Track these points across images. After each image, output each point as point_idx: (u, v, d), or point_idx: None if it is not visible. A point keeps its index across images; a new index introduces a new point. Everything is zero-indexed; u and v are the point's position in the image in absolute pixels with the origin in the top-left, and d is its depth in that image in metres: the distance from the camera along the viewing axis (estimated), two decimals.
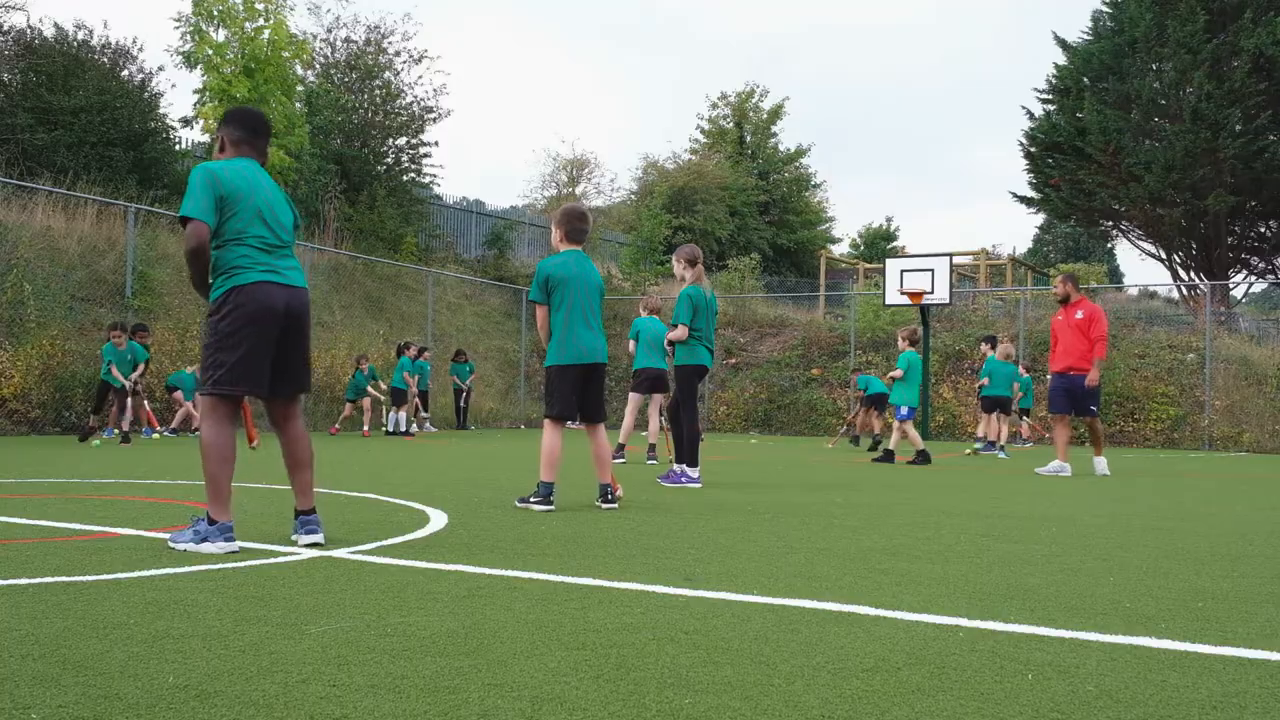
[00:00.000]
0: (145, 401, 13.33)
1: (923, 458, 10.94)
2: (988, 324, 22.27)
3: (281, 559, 3.76)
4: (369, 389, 15.97)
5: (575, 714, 2.00)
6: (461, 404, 19.31)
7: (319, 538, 4.10)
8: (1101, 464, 10.02)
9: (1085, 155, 28.06)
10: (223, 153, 4.18)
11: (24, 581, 3.22)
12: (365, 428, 15.82)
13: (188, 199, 3.92)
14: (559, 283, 5.74)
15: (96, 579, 3.30)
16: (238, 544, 3.95)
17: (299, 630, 2.63)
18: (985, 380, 14.20)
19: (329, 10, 38.59)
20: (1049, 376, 10.20)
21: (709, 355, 7.85)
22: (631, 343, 10.18)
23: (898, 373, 11.18)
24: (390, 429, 16.22)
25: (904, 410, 11.05)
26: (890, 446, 11.31)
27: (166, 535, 4.32)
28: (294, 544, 4.09)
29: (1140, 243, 31.67)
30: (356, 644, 2.50)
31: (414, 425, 16.82)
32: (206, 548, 3.86)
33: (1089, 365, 9.74)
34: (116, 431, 12.38)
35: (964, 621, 2.90)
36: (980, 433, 14.44)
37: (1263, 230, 30.22)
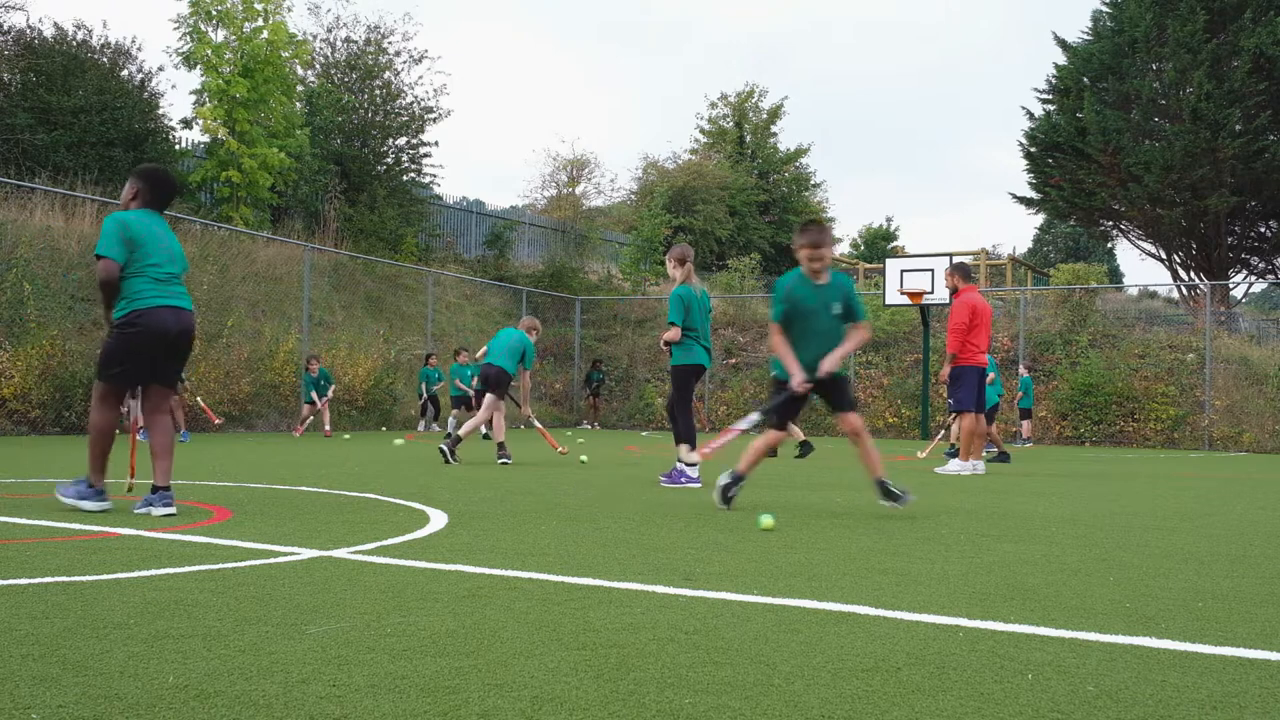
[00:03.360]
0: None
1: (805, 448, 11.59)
2: None
3: (281, 559, 3.76)
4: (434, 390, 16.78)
5: (575, 714, 2.00)
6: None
7: (172, 510, 4.91)
8: (954, 465, 9.64)
9: (1085, 155, 28.06)
10: (134, 201, 5.17)
11: (24, 581, 3.22)
12: (327, 427, 15.73)
13: (102, 241, 4.96)
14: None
15: (96, 579, 3.30)
16: (109, 503, 5.05)
17: (299, 630, 2.63)
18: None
19: (329, 10, 38.62)
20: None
21: (706, 354, 7.83)
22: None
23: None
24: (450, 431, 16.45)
25: None
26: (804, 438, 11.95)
27: (167, 535, 4.33)
28: (146, 516, 4.85)
29: (1140, 243, 31.69)
30: (356, 644, 2.50)
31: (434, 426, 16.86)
32: (85, 505, 4.98)
33: (959, 359, 9.56)
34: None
35: (964, 621, 2.90)
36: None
37: (1263, 230, 30.23)
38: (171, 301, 5.06)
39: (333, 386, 16.00)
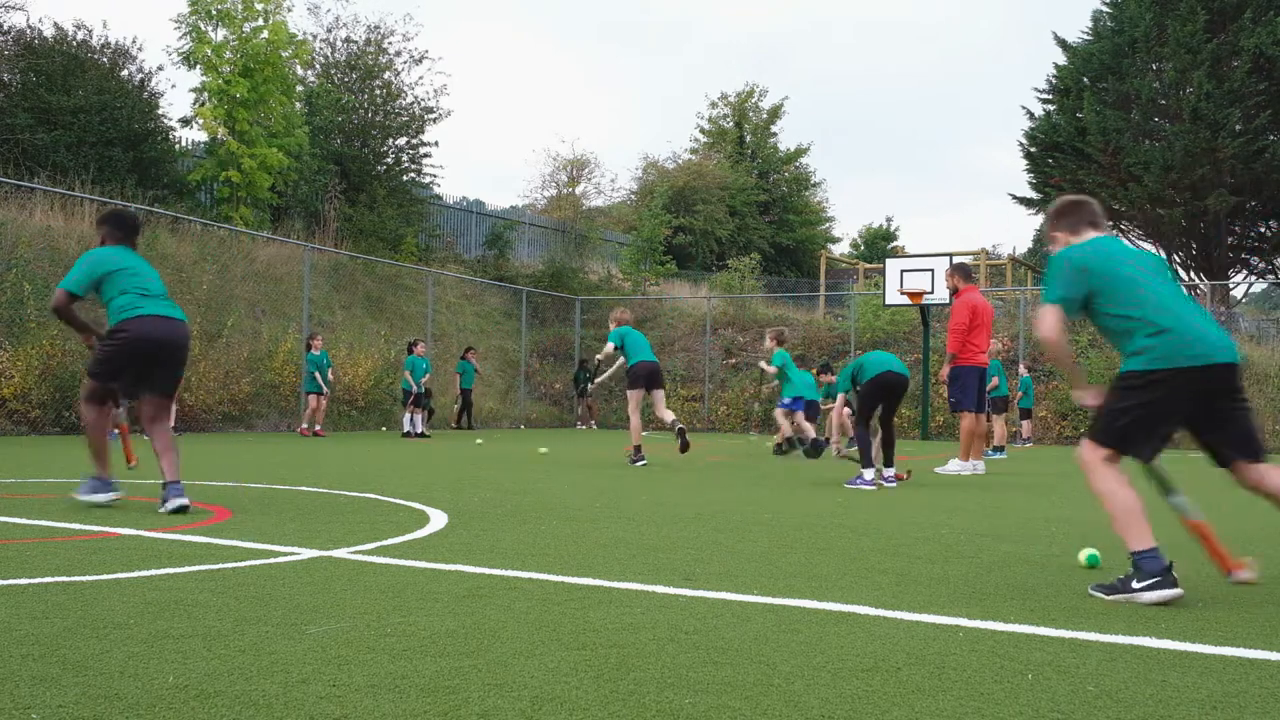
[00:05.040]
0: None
1: (815, 446, 11.29)
2: None
3: (281, 559, 3.76)
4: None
5: (575, 714, 2.00)
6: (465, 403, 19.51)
7: (183, 501, 5.04)
8: (954, 464, 9.71)
9: (1085, 155, 28.05)
10: (104, 243, 5.56)
11: (24, 581, 3.22)
12: (318, 426, 15.61)
13: (69, 274, 5.35)
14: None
15: (96, 579, 3.30)
16: (120, 491, 5.36)
17: (299, 630, 2.63)
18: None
19: (329, 10, 38.63)
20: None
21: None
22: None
23: (771, 369, 12.05)
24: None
25: (787, 400, 11.94)
26: (789, 435, 11.87)
27: (167, 535, 4.33)
28: (162, 512, 5.00)
29: (1140, 243, 31.63)
30: (356, 644, 2.50)
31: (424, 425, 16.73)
32: (98, 498, 5.24)
33: (959, 359, 9.61)
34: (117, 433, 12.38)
35: (964, 621, 2.90)
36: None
37: (1263, 230, 30.21)
38: (161, 311, 5.32)
39: (332, 370, 15.83)
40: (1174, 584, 3.24)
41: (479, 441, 13.53)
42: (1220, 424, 3.46)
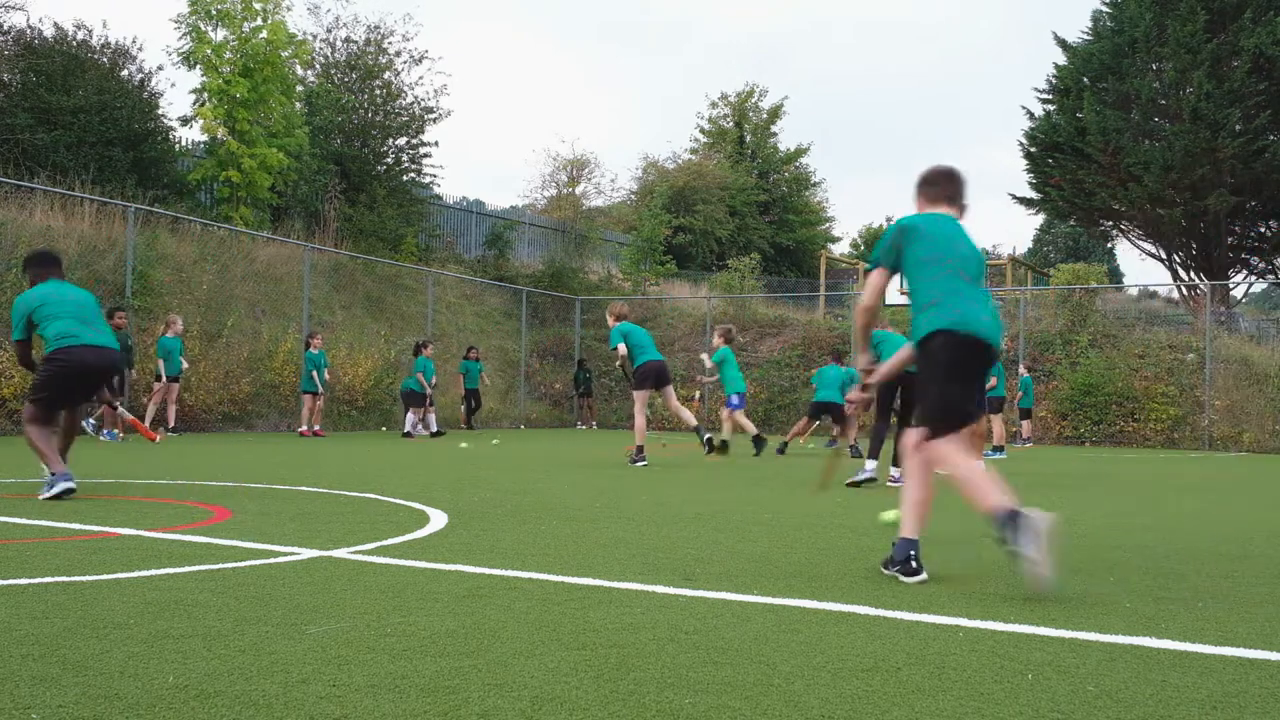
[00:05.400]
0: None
1: (759, 443, 11.60)
2: None
3: (281, 559, 3.76)
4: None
5: (575, 714, 2.00)
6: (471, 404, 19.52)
7: (70, 484, 5.63)
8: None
9: (1085, 155, 28.05)
10: (34, 284, 6.08)
11: (24, 581, 3.22)
12: (317, 426, 15.61)
13: (13, 328, 6.02)
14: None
15: (96, 579, 3.30)
16: (73, 483, 5.66)
17: (299, 630, 2.63)
18: None
19: (329, 10, 38.62)
20: None
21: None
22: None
23: (710, 363, 12.43)
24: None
25: (735, 400, 12.21)
26: (725, 437, 11.69)
27: (167, 535, 4.33)
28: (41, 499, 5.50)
29: (1140, 243, 31.67)
30: (356, 644, 2.50)
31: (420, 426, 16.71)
32: (57, 489, 5.57)
33: None
34: (119, 434, 12.38)
35: (964, 621, 2.90)
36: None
37: (1263, 230, 30.20)
38: (93, 340, 5.93)
39: (328, 370, 15.79)
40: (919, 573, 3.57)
41: (495, 441, 13.57)
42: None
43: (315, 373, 15.22)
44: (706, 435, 10.07)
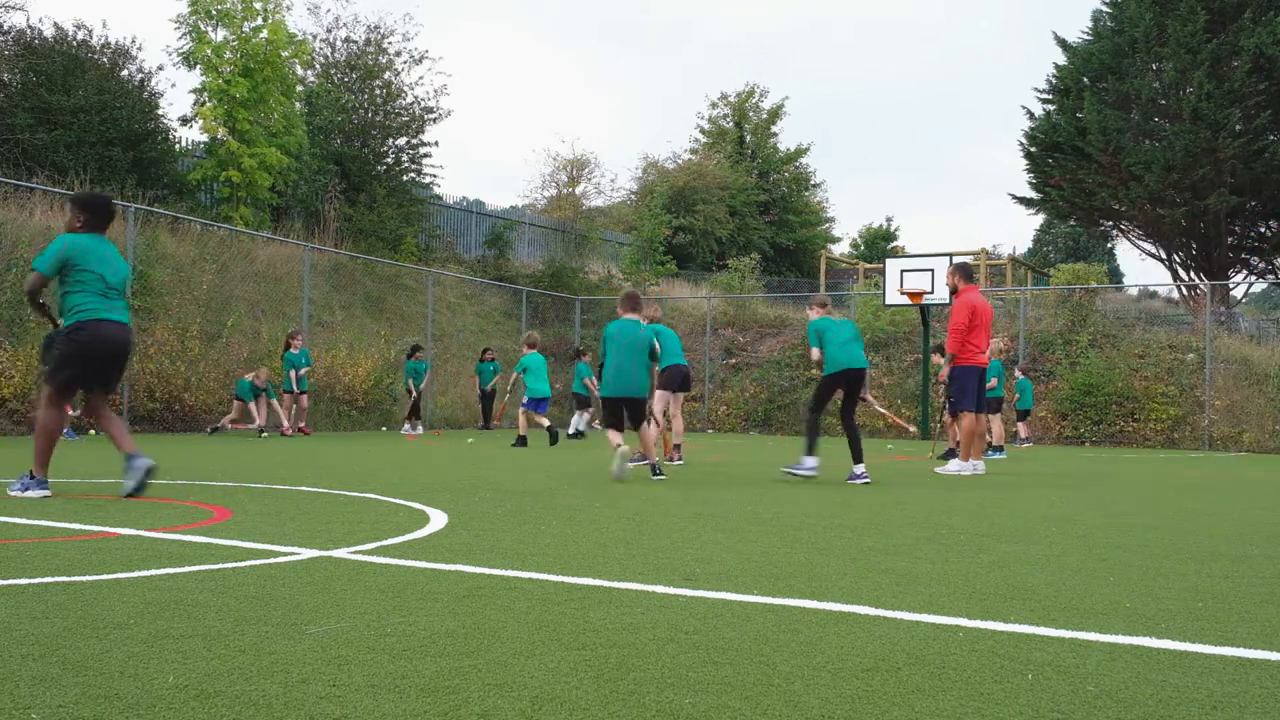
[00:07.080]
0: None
1: (552, 435, 12.97)
2: None
3: (281, 559, 3.76)
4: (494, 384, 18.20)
5: (575, 714, 2.00)
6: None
7: (47, 493, 5.66)
8: (954, 464, 9.70)
9: (1085, 155, 28.05)
10: (80, 227, 5.80)
11: (24, 581, 3.22)
12: (301, 424, 15.58)
13: (42, 256, 5.70)
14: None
15: (96, 579, 3.30)
16: (50, 491, 5.69)
17: (299, 630, 2.63)
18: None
19: (329, 10, 38.58)
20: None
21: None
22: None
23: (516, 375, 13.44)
24: (571, 431, 16.50)
25: (531, 402, 13.24)
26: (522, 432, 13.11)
27: (167, 535, 4.33)
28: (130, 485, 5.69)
29: (1140, 243, 31.67)
30: (356, 644, 2.50)
31: (413, 426, 16.75)
32: (31, 494, 5.59)
33: (958, 359, 9.56)
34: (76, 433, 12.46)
35: (964, 621, 2.90)
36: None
37: (1263, 230, 30.21)
38: (114, 316, 5.77)
39: (308, 369, 15.70)
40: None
41: (469, 441, 13.79)
42: None
43: (293, 372, 15.27)
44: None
